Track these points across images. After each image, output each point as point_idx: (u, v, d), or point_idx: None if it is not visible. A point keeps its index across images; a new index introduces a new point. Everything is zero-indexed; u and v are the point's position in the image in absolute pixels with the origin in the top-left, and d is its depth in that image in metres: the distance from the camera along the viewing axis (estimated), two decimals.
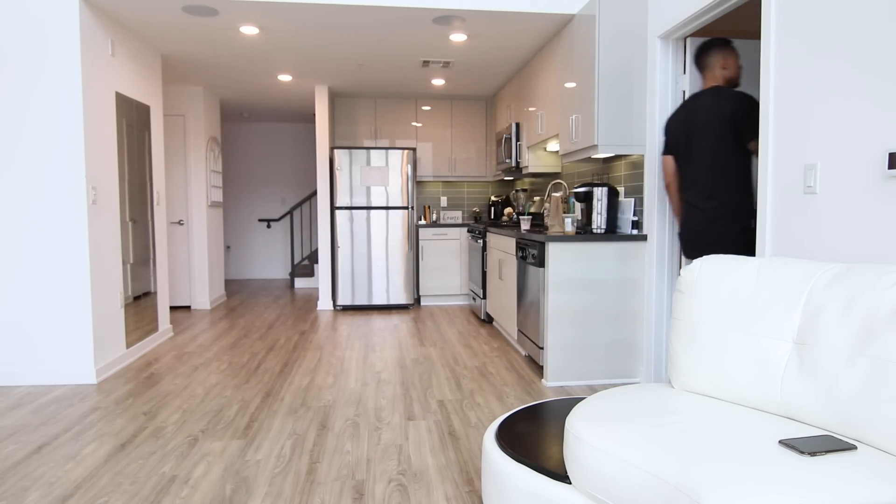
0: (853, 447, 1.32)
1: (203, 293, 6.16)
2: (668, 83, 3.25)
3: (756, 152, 2.54)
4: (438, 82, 5.89)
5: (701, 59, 2.81)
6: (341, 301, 6.02)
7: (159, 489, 2.18)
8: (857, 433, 1.38)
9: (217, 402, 3.17)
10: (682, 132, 2.77)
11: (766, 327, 1.63)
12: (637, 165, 3.58)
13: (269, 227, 8.72)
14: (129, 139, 4.12)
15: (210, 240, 6.23)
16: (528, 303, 3.89)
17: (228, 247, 8.69)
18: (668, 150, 2.91)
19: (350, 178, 5.93)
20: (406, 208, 6.03)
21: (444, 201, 7.03)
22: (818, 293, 1.55)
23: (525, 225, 4.20)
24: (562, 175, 5.17)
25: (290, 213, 8.19)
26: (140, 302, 4.26)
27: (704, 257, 1.89)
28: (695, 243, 2.74)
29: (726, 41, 2.75)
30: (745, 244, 2.57)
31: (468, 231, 6.16)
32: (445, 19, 3.94)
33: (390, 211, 6.02)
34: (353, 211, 5.97)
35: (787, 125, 2.24)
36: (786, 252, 2.26)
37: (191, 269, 6.14)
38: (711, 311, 1.77)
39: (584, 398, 1.84)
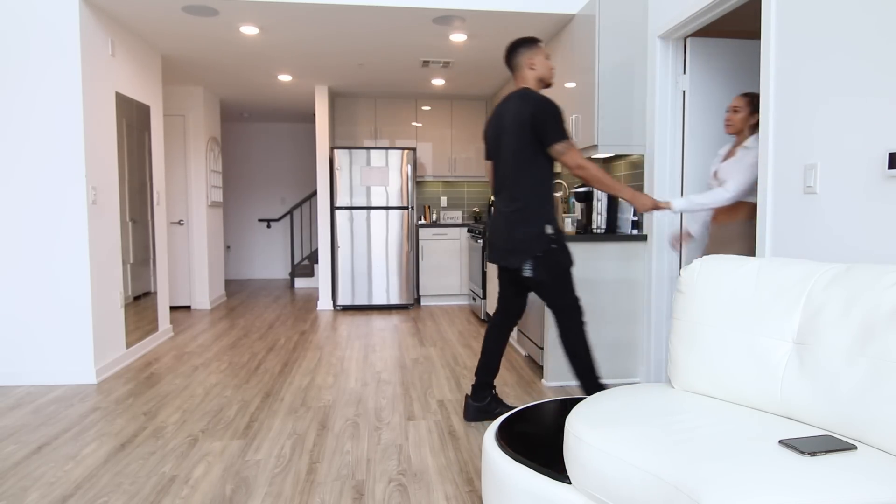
0: (853, 447, 1.32)
1: (203, 293, 6.16)
2: (668, 83, 3.25)
3: (558, 157, 2.52)
4: (438, 82, 5.89)
5: (510, 60, 2.71)
6: (341, 301, 6.02)
7: (159, 489, 2.19)
8: (857, 433, 1.38)
9: (217, 402, 3.17)
10: (493, 136, 2.73)
11: (766, 327, 1.63)
12: (637, 165, 3.58)
13: (269, 227, 8.72)
14: (129, 139, 4.12)
15: (210, 240, 6.23)
16: (527, 303, 3.89)
17: (228, 247, 8.69)
18: (487, 154, 2.85)
19: (350, 178, 5.93)
20: (406, 208, 6.03)
21: (444, 201, 7.03)
22: (818, 293, 1.55)
23: None
24: (562, 175, 5.18)
25: (290, 213, 8.18)
26: (140, 302, 4.26)
27: (704, 257, 1.89)
28: (498, 248, 2.68)
29: (533, 40, 2.67)
30: (541, 249, 2.55)
31: (468, 231, 6.16)
32: (445, 19, 3.94)
33: (390, 211, 6.02)
34: (353, 211, 5.97)
35: (787, 125, 2.24)
36: (786, 252, 2.26)
37: (191, 269, 6.14)
38: (711, 311, 1.77)
39: (585, 398, 1.84)
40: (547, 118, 2.50)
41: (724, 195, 2.61)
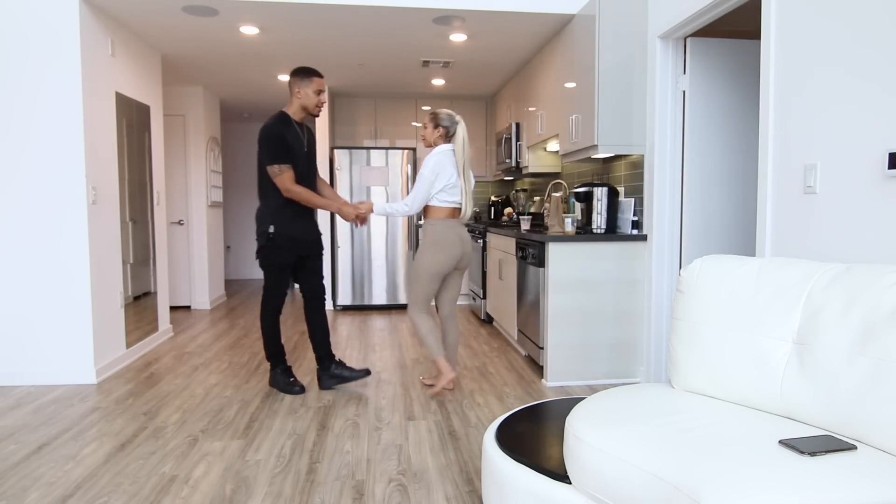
0: (853, 447, 1.32)
1: (203, 293, 6.16)
2: (667, 83, 3.25)
3: (272, 178, 3.04)
4: (438, 82, 5.89)
5: (289, 83, 3.18)
6: (341, 301, 6.02)
7: (159, 489, 2.19)
8: (857, 433, 1.38)
9: (217, 402, 3.17)
10: None
11: (766, 327, 1.63)
12: (637, 165, 3.58)
13: None
14: (129, 139, 4.12)
15: (210, 240, 6.23)
16: (528, 303, 3.89)
17: (228, 247, 8.69)
18: None
19: (350, 178, 5.93)
20: None
21: None
22: (818, 293, 1.55)
23: (525, 225, 4.20)
24: (562, 175, 5.18)
25: None
26: (140, 302, 4.26)
27: (704, 257, 1.89)
28: None
29: (308, 72, 3.07)
30: (263, 244, 3.13)
31: (468, 231, 6.16)
32: (445, 19, 3.94)
33: None
34: None
35: (787, 125, 2.24)
36: (786, 252, 2.26)
37: (191, 269, 6.14)
38: (711, 311, 1.77)
39: (584, 398, 1.84)
40: (264, 144, 3.01)
41: (403, 208, 3.11)
